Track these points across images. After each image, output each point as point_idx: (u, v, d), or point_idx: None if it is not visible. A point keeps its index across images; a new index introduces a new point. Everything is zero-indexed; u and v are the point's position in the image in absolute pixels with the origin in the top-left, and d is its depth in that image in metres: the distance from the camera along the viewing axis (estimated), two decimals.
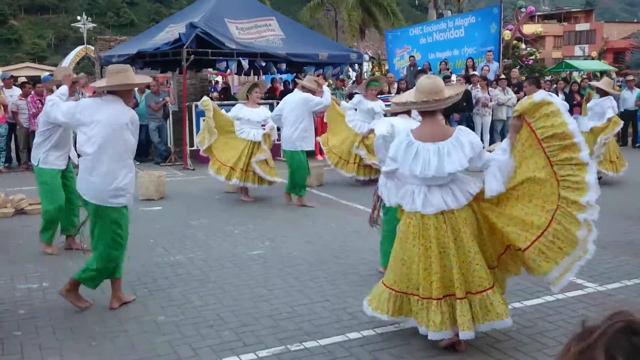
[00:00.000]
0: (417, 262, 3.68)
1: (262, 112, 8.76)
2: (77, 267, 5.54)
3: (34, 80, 13.51)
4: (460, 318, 3.59)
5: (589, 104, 10.14)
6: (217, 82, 20.47)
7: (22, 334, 4.13)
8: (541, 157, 3.63)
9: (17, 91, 12.49)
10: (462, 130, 3.74)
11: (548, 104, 3.62)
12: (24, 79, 14.49)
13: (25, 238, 6.65)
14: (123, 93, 4.49)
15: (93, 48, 19.42)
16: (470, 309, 3.62)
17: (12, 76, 14.35)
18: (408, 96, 3.84)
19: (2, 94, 12.02)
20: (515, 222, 3.66)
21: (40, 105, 11.60)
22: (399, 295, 3.80)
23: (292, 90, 14.15)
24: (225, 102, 14.12)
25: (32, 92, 11.73)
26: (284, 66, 13.41)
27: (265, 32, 13.19)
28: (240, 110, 8.65)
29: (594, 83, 11.31)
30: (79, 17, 44.29)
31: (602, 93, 9.86)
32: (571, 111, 14.80)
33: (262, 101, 13.58)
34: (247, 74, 15.45)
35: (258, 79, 17.01)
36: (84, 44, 33.04)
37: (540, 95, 3.76)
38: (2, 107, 11.69)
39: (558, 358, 0.95)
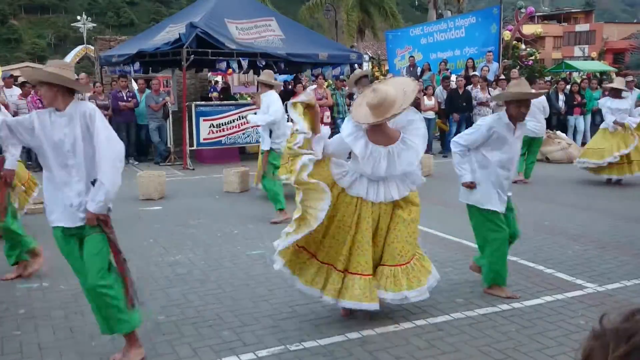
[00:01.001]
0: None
1: None
2: None
3: None
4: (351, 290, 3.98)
5: (612, 105, 9.69)
6: (216, 82, 20.46)
7: (21, 333, 4.13)
8: None
9: (17, 91, 12.48)
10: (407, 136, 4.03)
11: None
12: (23, 79, 14.47)
13: None
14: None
15: (93, 48, 19.42)
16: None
17: (12, 75, 14.33)
18: (366, 116, 3.94)
19: (1, 93, 12.01)
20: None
21: (40, 105, 11.62)
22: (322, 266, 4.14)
23: (292, 91, 14.21)
24: (225, 102, 14.15)
25: (33, 92, 11.75)
26: (283, 66, 13.42)
27: (265, 32, 13.19)
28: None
29: (608, 85, 10.86)
30: (79, 17, 44.30)
31: (617, 92, 9.71)
32: (571, 112, 14.84)
33: None
34: (247, 72, 15.46)
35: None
36: (84, 44, 33.04)
37: None
38: (2, 107, 11.65)
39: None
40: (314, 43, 13.95)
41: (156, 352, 3.81)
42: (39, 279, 5.25)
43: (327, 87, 14.43)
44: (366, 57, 23.56)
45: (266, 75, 7.64)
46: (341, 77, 14.71)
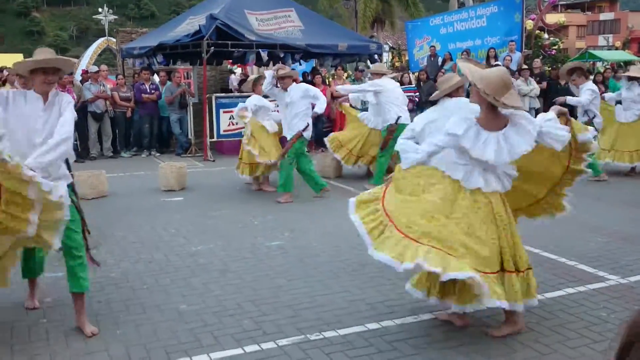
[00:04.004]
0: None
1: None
2: (101, 258, 5.65)
3: None
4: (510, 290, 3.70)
5: (624, 94, 9.66)
6: (233, 72, 20.39)
7: (47, 321, 4.22)
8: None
9: None
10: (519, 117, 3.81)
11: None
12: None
13: None
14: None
15: (115, 40, 19.58)
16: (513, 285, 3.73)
17: None
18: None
19: (17, 86, 12.16)
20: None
21: None
22: None
23: (311, 81, 14.17)
24: (245, 93, 14.18)
25: (56, 84, 11.88)
26: (300, 57, 13.41)
27: (285, 23, 13.19)
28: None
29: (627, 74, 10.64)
30: (100, 9, 44.67)
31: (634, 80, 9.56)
32: None
33: None
34: (267, 65, 15.46)
35: None
36: (105, 36, 33.30)
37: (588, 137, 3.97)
38: None
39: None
40: (334, 34, 13.91)
41: (179, 340, 3.87)
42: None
43: (346, 78, 14.39)
44: (386, 48, 23.42)
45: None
46: (360, 68, 14.66)
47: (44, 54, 4.00)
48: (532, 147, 3.69)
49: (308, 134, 8.14)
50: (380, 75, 8.78)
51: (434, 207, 3.73)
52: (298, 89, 8.06)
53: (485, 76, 3.68)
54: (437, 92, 4.54)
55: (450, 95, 4.50)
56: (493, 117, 3.74)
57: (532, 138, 3.68)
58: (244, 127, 8.83)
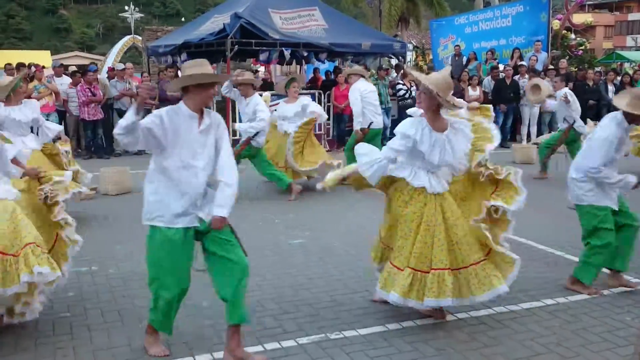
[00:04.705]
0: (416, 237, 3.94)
1: (298, 104, 8.72)
2: (125, 253, 5.73)
3: (83, 69, 13.85)
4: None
5: None
6: (256, 71, 20.44)
7: (71, 315, 4.28)
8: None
9: (67, 79, 12.83)
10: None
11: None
12: (74, 68, 14.86)
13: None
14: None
15: (140, 38, 19.78)
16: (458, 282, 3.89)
17: (61, 64, 14.72)
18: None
19: (53, 82, 12.38)
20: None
21: (89, 94, 11.92)
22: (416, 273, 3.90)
23: (333, 81, 14.16)
24: (267, 92, 14.21)
25: (82, 81, 12.06)
26: (325, 56, 13.40)
27: (309, 22, 13.21)
28: (278, 108, 8.98)
29: None
30: (126, 7, 45.18)
31: None
32: None
33: (305, 91, 13.64)
34: (289, 63, 15.50)
35: (300, 69, 17.05)
36: (131, 34, 33.70)
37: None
38: (53, 95, 12.03)
39: None
40: (357, 32, 13.89)
41: (201, 336, 3.90)
42: (88, 263, 5.42)
43: (370, 77, 14.32)
44: (410, 47, 23.30)
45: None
46: (384, 66, 14.60)
47: (202, 67, 3.49)
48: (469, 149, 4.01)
49: (258, 140, 8.06)
50: (358, 76, 8.86)
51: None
52: (253, 104, 7.95)
53: (435, 80, 3.88)
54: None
55: None
56: (437, 120, 3.96)
57: (469, 139, 4.02)
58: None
